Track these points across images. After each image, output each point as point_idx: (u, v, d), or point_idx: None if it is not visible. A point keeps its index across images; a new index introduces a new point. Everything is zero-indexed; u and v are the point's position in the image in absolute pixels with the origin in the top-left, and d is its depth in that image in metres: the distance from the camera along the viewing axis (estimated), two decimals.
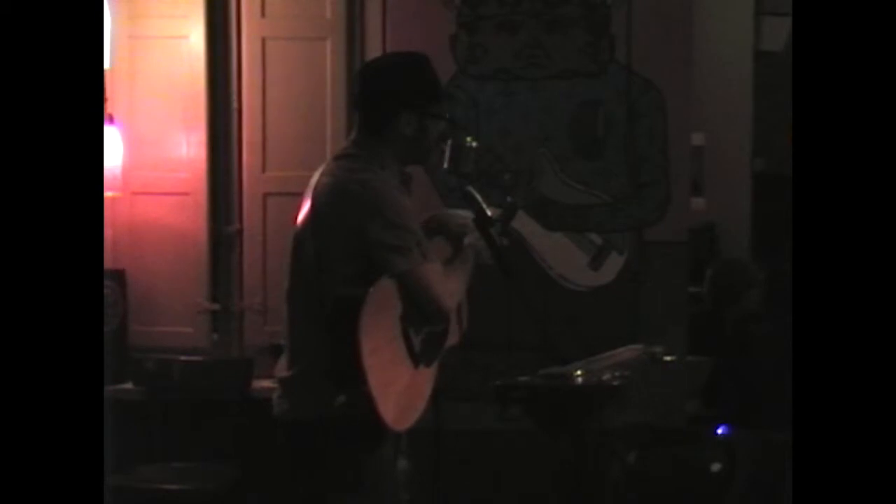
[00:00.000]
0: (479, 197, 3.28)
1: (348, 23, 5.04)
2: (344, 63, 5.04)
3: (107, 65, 4.65)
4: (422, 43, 4.99)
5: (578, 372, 3.31)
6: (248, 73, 5.07)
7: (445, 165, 3.29)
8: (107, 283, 4.69)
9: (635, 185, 5.01)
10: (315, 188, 3.05)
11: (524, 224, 4.99)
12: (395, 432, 3.01)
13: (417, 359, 3.06)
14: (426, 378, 3.13)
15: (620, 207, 5.04)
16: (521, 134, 5.00)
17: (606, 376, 3.33)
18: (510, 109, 4.99)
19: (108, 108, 4.76)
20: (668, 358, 3.64)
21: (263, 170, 5.05)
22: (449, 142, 3.28)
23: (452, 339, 3.31)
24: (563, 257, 5.01)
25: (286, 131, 5.06)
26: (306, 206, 3.06)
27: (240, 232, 5.10)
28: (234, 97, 5.08)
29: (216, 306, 5.10)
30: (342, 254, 2.95)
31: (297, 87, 5.08)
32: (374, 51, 5.01)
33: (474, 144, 3.35)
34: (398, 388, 2.97)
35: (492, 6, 5.01)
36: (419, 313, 2.99)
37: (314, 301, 2.98)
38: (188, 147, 5.00)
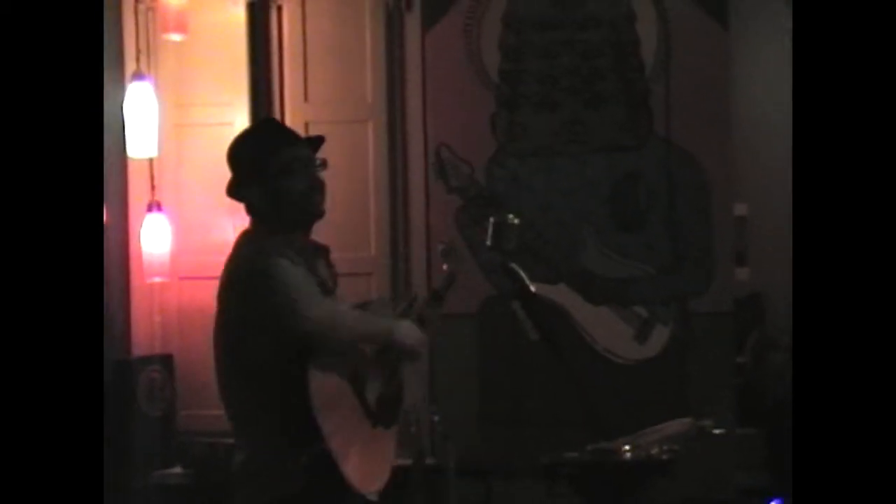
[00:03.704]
0: (522, 273, 3.28)
1: (389, 105, 5.11)
2: (385, 145, 5.10)
3: (154, 153, 4.75)
4: (462, 123, 5.06)
5: (626, 447, 3.29)
6: None
7: (488, 243, 3.30)
8: (155, 367, 4.74)
9: (678, 257, 5.01)
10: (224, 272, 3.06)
11: (568, 298, 5.00)
12: (363, 498, 2.92)
13: (374, 417, 3.00)
14: (387, 440, 3.05)
15: (664, 279, 5.03)
16: (562, 209, 5.03)
17: (655, 450, 3.31)
18: (551, 185, 5.03)
19: (156, 195, 4.85)
20: (717, 430, 3.61)
21: None
22: (491, 219, 3.30)
23: (409, 402, 3.21)
24: (609, 331, 5.00)
25: (329, 213, 5.10)
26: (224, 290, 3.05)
27: None
28: None
29: None
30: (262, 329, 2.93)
31: (339, 169, 5.14)
32: (415, 132, 5.07)
33: (516, 221, 3.35)
34: (359, 446, 2.91)
35: (531, 85, 5.07)
36: (336, 351, 2.91)
37: (253, 377, 2.95)
38: (234, 231, 5.03)
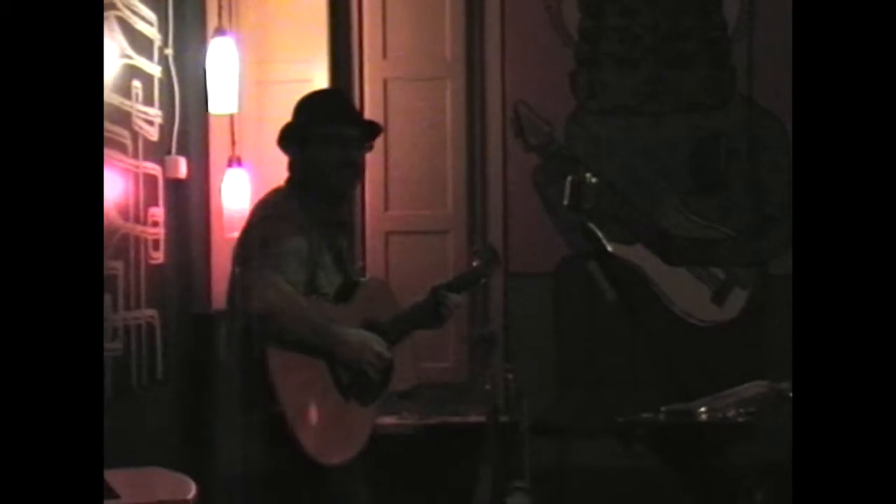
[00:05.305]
0: (599, 233, 3.26)
1: (468, 62, 5.10)
2: (464, 102, 5.10)
3: (235, 109, 4.78)
4: (541, 80, 5.04)
5: (703, 409, 3.27)
6: (370, 113, 5.15)
7: (566, 202, 3.28)
8: None
9: (760, 219, 4.95)
10: None
11: (646, 259, 4.97)
12: (325, 466, 2.94)
13: (346, 392, 3.02)
14: (361, 416, 3.07)
15: (744, 241, 4.97)
16: (641, 169, 4.99)
17: (732, 413, 3.28)
18: (631, 145, 4.99)
19: (237, 151, 4.88)
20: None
21: (386, 209, 5.12)
22: (569, 178, 3.28)
23: (402, 384, 3.23)
24: (686, 292, 4.96)
25: (408, 170, 5.13)
26: None
27: (363, 270, 5.17)
28: None
29: None
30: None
31: (418, 126, 5.15)
32: (493, 89, 5.05)
33: (594, 181, 3.33)
34: (322, 415, 2.93)
35: (611, 43, 5.02)
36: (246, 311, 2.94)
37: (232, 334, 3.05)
38: None
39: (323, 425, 2.94)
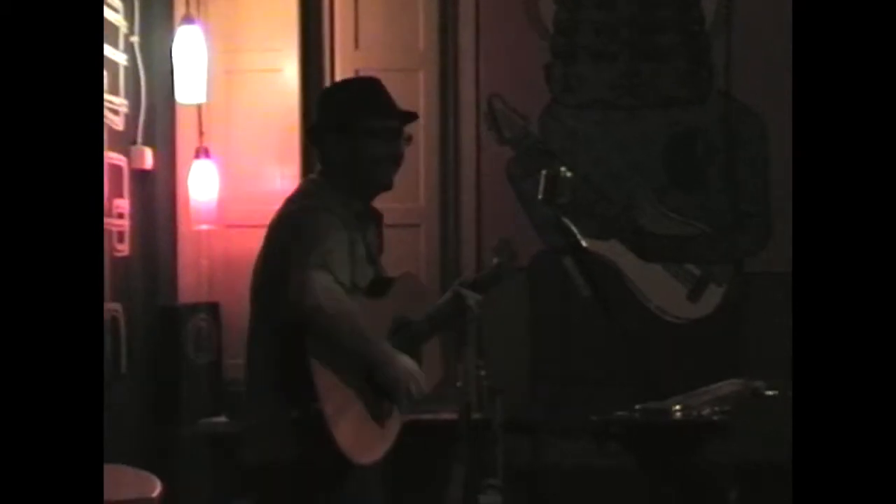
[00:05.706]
0: (574, 228, 3.21)
1: (441, 54, 5.03)
2: (437, 94, 5.02)
3: (203, 99, 4.70)
4: (515, 73, 4.97)
5: (677, 407, 3.24)
6: None
7: (540, 196, 3.22)
8: (202, 315, 4.72)
9: (736, 215, 4.91)
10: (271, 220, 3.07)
11: (620, 254, 4.91)
12: (356, 465, 2.88)
13: (380, 392, 2.96)
14: (392, 417, 3.02)
15: (720, 238, 4.93)
16: (617, 163, 4.93)
17: (706, 411, 3.26)
18: (607, 139, 4.93)
19: (204, 141, 4.80)
20: (769, 392, 3.53)
21: None
22: (543, 172, 3.22)
23: (431, 383, 3.16)
24: (661, 289, 4.91)
25: None
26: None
27: None
28: None
29: None
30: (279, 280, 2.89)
31: None
32: (467, 81, 4.98)
33: (569, 175, 3.27)
34: (356, 414, 2.89)
35: (588, 35, 4.96)
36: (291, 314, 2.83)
37: (264, 326, 2.97)
38: (283, 179, 5.01)
39: (359, 425, 2.90)
